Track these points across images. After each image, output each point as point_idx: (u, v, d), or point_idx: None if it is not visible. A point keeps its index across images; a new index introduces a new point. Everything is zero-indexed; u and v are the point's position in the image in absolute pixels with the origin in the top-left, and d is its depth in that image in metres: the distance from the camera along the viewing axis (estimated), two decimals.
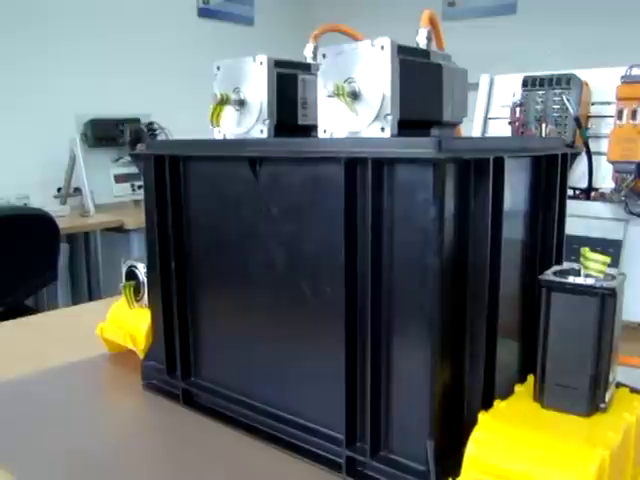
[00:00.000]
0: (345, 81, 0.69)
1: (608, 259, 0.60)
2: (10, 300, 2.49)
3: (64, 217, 2.95)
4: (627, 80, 1.06)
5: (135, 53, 3.78)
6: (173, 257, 0.87)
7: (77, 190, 3.26)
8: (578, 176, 1.15)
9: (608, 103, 1.15)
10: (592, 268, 0.60)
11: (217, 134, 0.86)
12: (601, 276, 0.60)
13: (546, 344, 0.61)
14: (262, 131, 0.81)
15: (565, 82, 1.15)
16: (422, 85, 0.72)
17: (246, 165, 0.77)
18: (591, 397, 0.60)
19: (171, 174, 0.86)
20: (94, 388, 0.95)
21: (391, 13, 4.01)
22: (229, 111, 0.84)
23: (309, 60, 0.89)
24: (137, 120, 3.32)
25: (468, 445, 0.58)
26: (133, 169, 3.15)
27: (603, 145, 1.13)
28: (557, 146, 0.80)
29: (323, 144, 0.73)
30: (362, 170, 0.65)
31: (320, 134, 0.73)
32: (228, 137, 0.85)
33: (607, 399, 0.60)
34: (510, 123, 1.21)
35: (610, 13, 3.56)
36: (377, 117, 0.68)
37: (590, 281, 0.59)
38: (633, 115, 1.05)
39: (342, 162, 0.66)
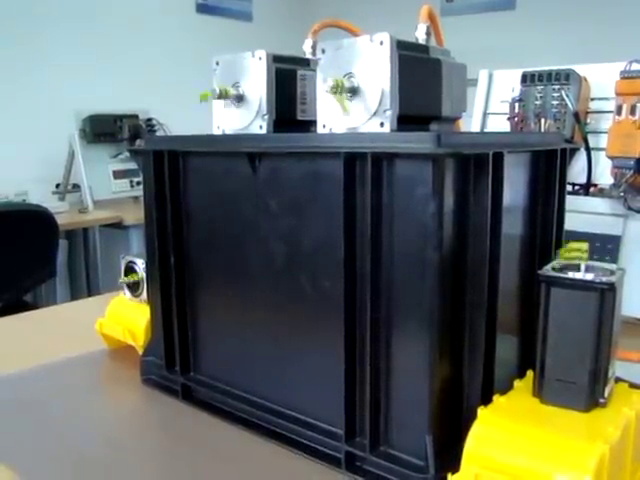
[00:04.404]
0: (344, 76, 0.69)
1: (583, 244, 0.61)
2: (9, 296, 2.49)
3: (63, 213, 2.95)
4: (626, 75, 1.06)
5: (134, 49, 3.78)
6: (172, 252, 0.87)
7: (76, 186, 3.26)
8: (577, 171, 1.14)
9: (607, 99, 1.14)
10: (567, 257, 0.61)
11: (216, 129, 0.86)
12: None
13: (545, 339, 0.61)
14: (261, 126, 0.81)
15: (564, 77, 1.15)
16: (421, 80, 0.72)
17: (245, 160, 0.76)
18: (590, 392, 0.60)
19: (170, 169, 0.86)
20: (93, 384, 0.95)
21: (390, 8, 4.00)
22: (228, 106, 0.84)
23: (308, 55, 0.88)
24: (136, 116, 3.31)
25: (467, 440, 0.58)
26: (131, 165, 3.14)
27: (602, 140, 1.13)
28: (556, 141, 0.80)
29: (322, 139, 0.73)
30: (361, 165, 0.65)
31: (319, 129, 0.73)
32: (227, 132, 0.85)
33: (606, 394, 0.60)
34: (509, 118, 1.21)
35: (609, 9, 3.56)
36: (376, 112, 0.68)
37: (589, 276, 0.59)
38: (632, 110, 1.05)
39: (341, 157, 0.65)
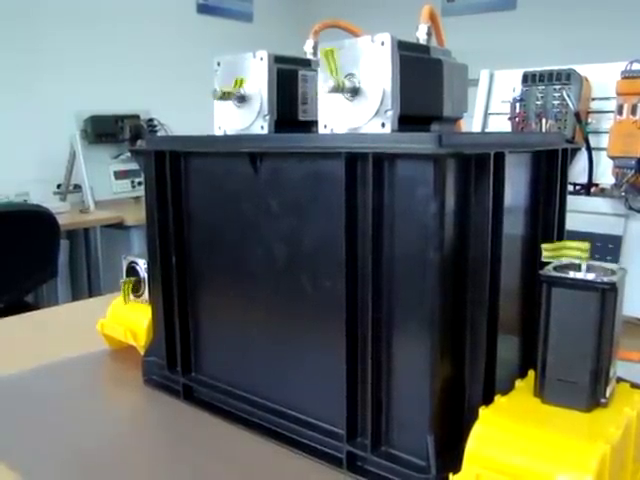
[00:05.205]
0: (345, 77, 0.69)
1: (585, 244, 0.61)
2: (10, 297, 2.49)
3: (64, 213, 2.95)
4: (627, 75, 1.06)
5: (135, 49, 3.78)
6: (174, 253, 0.87)
7: (77, 187, 3.26)
8: (578, 171, 1.14)
9: (608, 98, 1.14)
10: (570, 255, 0.61)
11: (217, 130, 0.86)
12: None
13: (546, 339, 0.61)
14: (262, 127, 0.81)
15: (565, 77, 1.15)
16: (422, 80, 0.72)
17: (246, 161, 0.77)
18: (592, 392, 0.60)
19: (171, 170, 0.86)
20: (94, 384, 0.95)
21: (391, 9, 4.00)
22: (229, 107, 0.84)
23: (309, 56, 0.89)
24: (137, 117, 3.31)
25: (469, 440, 0.58)
26: (133, 166, 3.15)
27: (603, 140, 1.13)
28: (557, 141, 0.80)
29: (323, 140, 0.73)
30: (362, 166, 0.65)
31: (320, 130, 0.73)
32: (228, 133, 0.85)
33: (608, 394, 0.60)
34: (510, 119, 1.21)
35: (610, 9, 3.56)
36: (377, 113, 0.68)
37: (590, 276, 0.59)
38: (633, 110, 1.05)
39: (342, 157, 0.66)
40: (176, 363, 0.89)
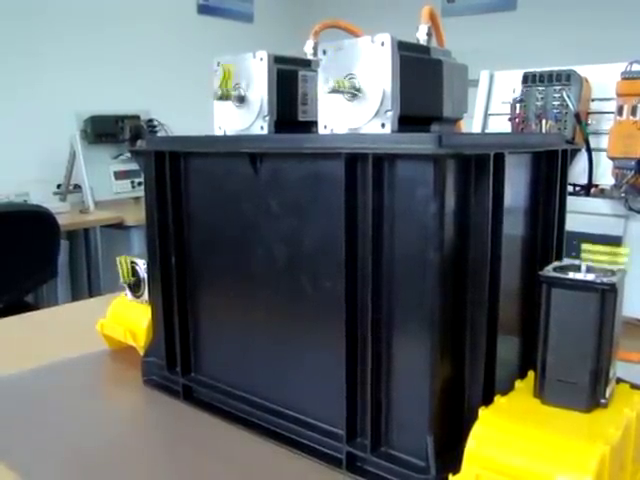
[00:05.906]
0: (345, 77, 0.69)
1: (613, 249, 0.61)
2: (10, 297, 2.49)
3: (64, 214, 2.95)
4: (627, 76, 1.06)
5: (135, 50, 3.78)
6: (173, 253, 0.87)
7: (77, 187, 3.27)
8: (578, 172, 1.14)
9: (608, 99, 1.14)
10: (599, 260, 0.61)
11: (217, 130, 0.86)
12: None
13: (546, 340, 0.61)
14: (262, 127, 0.81)
15: (565, 78, 1.15)
16: (422, 81, 0.72)
17: (246, 161, 0.77)
18: (591, 393, 0.60)
19: (171, 170, 0.86)
20: (94, 384, 0.95)
21: (391, 9, 4.00)
22: (229, 107, 0.84)
23: (309, 56, 0.88)
24: (137, 117, 3.31)
25: (468, 440, 0.58)
26: (133, 166, 3.15)
27: (603, 141, 1.13)
28: (557, 142, 0.80)
29: (323, 140, 0.73)
30: (362, 166, 0.65)
31: (320, 130, 0.73)
32: (228, 133, 0.85)
33: (607, 395, 0.60)
34: (510, 119, 1.21)
35: (610, 9, 3.56)
36: (377, 113, 0.68)
37: (590, 277, 0.59)
38: (633, 111, 1.05)
39: (342, 158, 0.66)
40: (176, 363, 0.89)
